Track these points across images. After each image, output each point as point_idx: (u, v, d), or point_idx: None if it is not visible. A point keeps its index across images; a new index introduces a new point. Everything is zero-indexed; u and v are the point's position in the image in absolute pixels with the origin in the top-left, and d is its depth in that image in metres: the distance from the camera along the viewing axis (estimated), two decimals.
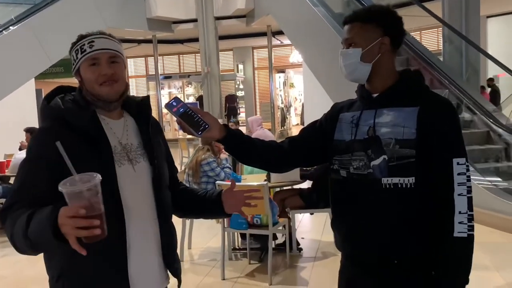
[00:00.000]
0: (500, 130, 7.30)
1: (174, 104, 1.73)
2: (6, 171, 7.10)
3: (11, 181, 7.29)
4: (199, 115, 1.73)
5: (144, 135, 1.76)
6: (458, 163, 1.64)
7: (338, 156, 1.80)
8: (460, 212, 1.62)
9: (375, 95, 1.77)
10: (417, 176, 1.65)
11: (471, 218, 1.62)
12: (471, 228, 1.62)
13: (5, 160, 7.33)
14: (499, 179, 6.61)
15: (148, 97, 1.84)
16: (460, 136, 1.69)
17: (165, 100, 20.20)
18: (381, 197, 1.69)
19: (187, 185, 5.29)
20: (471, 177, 1.67)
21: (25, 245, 1.45)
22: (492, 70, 12.61)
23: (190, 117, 1.72)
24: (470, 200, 1.63)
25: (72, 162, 1.44)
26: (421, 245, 1.70)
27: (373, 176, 1.69)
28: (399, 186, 1.66)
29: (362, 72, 1.75)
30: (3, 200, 6.67)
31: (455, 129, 1.69)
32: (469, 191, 1.63)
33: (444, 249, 1.65)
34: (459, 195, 1.62)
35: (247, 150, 1.89)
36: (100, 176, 1.35)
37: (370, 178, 1.70)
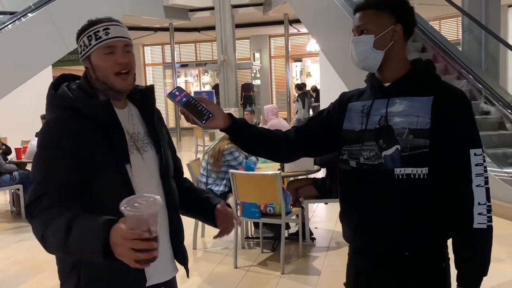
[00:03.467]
0: None
1: (177, 94, 1.70)
2: (22, 157, 7.17)
3: (28, 167, 7.37)
4: (203, 104, 1.70)
5: (148, 124, 1.74)
6: (475, 154, 1.61)
7: (348, 146, 1.76)
8: (479, 203, 1.60)
9: (386, 84, 1.74)
10: (431, 166, 1.63)
11: (489, 209, 1.60)
12: (490, 219, 1.60)
13: (21, 147, 7.41)
14: None
15: (152, 86, 1.80)
16: (475, 127, 1.66)
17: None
18: (394, 188, 1.66)
19: (205, 173, 5.32)
20: (487, 167, 1.64)
21: (58, 250, 1.46)
22: None
23: (193, 106, 1.69)
24: (487, 191, 1.61)
25: (87, 151, 1.47)
26: (432, 236, 1.69)
27: (385, 166, 1.66)
28: (412, 176, 1.63)
29: (374, 59, 1.71)
30: (19, 186, 6.77)
31: (470, 120, 1.66)
32: (486, 181, 1.61)
33: (463, 241, 1.64)
34: (477, 186, 1.60)
35: (252, 139, 1.85)
36: (160, 199, 1.29)
37: (381, 168, 1.67)
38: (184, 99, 1.70)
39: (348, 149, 1.75)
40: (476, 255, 1.63)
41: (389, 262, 1.72)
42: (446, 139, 1.63)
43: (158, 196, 1.30)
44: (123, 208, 1.24)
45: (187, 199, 1.86)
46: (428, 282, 1.71)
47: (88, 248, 1.34)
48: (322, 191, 5.22)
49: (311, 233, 5.36)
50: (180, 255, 1.78)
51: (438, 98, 1.65)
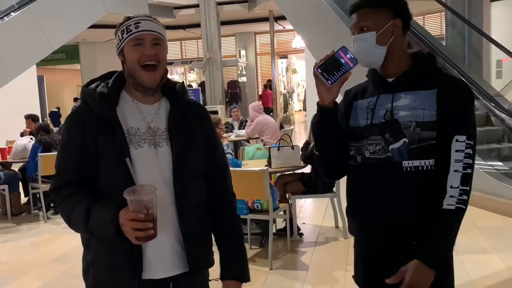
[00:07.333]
0: (502, 115, 7.28)
1: (348, 56, 1.67)
2: (7, 157, 7.09)
3: (14, 167, 7.31)
4: (340, 75, 1.67)
5: (173, 119, 1.76)
6: (457, 140, 1.65)
7: (354, 142, 1.80)
8: (451, 186, 1.64)
9: (390, 79, 1.77)
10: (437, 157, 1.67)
11: (463, 193, 1.64)
12: (461, 202, 1.63)
13: (6, 147, 7.33)
14: (500, 163, 6.60)
15: (182, 83, 1.87)
16: (469, 115, 1.69)
17: None
18: (402, 180, 1.70)
19: None
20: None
21: (84, 232, 1.71)
22: (495, 55, 12.50)
23: (337, 68, 1.66)
24: (465, 176, 1.64)
25: (92, 142, 1.65)
26: None
27: (392, 160, 1.70)
28: (420, 168, 1.68)
29: (377, 55, 1.75)
30: (4, 187, 6.70)
31: (466, 109, 1.69)
32: (466, 167, 1.65)
33: (432, 219, 1.65)
34: (454, 171, 1.64)
35: (336, 126, 1.80)
36: (157, 189, 1.55)
37: (388, 162, 1.71)
38: (343, 60, 1.66)
39: (355, 145, 1.80)
40: (442, 235, 1.64)
41: (397, 252, 1.73)
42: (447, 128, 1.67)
43: (155, 186, 1.55)
44: (125, 195, 1.52)
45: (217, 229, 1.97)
46: None
47: (105, 231, 1.59)
48: (308, 186, 5.25)
49: (299, 229, 5.39)
50: (191, 256, 1.75)
51: (442, 90, 1.69)
